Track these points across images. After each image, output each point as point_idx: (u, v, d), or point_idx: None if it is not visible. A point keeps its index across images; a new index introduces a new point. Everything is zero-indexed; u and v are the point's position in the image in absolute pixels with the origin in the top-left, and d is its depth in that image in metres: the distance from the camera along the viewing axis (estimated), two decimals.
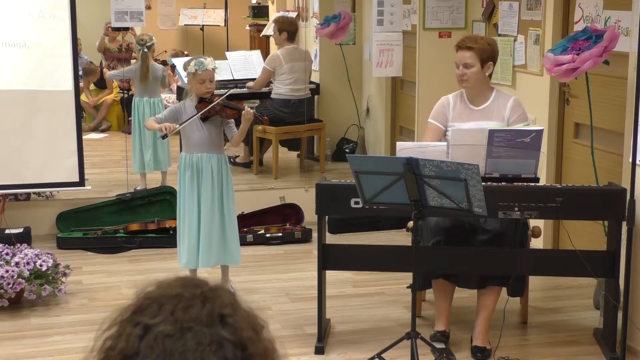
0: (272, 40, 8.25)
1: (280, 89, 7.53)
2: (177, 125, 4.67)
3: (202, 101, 4.71)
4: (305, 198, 6.34)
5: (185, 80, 5.20)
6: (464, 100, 4.41)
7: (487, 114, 4.34)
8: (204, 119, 4.69)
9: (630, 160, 4.11)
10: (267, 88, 7.68)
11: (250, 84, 7.63)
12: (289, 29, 7.58)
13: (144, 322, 1.11)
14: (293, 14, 8.28)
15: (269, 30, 8.69)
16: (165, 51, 8.62)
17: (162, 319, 1.10)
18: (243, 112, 4.69)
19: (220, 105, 4.69)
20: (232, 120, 4.80)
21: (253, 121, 4.79)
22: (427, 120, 4.51)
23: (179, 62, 7.48)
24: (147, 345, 1.09)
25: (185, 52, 8.87)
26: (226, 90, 4.94)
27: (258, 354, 1.12)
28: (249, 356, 1.11)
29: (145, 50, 6.89)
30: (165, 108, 6.89)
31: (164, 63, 7.63)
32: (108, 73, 8.21)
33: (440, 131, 4.40)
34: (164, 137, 4.71)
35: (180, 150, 5.01)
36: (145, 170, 6.91)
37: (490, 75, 4.39)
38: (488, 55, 4.31)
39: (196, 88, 4.71)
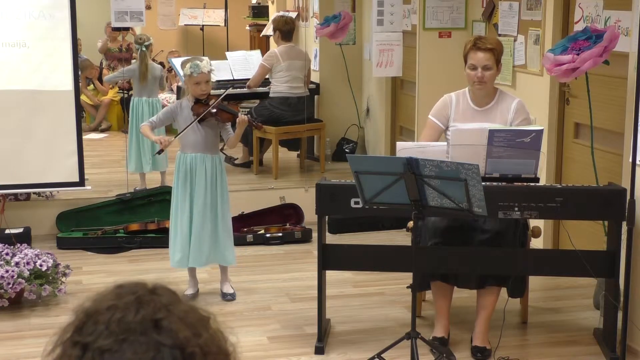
0: (271, 40, 8.27)
1: (278, 87, 7.53)
2: (173, 138, 4.72)
3: (198, 102, 4.73)
4: (305, 198, 6.34)
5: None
6: (467, 100, 4.36)
7: (490, 115, 4.30)
8: (200, 120, 4.70)
9: (630, 160, 4.11)
10: (266, 87, 7.67)
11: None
12: (281, 28, 7.59)
13: (81, 341, 1.13)
14: (293, 14, 8.28)
15: (268, 30, 8.70)
16: (162, 51, 8.61)
17: (97, 335, 1.12)
18: (237, 119, 4.71)
19: (216, 108, 4.70)
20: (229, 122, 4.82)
21: (247, 126, 4.81)
22: (427, 117, 4.49)
23: (178, 63, 7.49)
24: None
25: (174, 50, 8.86)
26: (223, 92, 4.94)
27: (199, 347, 1.14)
28: (190, 355, 1.12)
29: (144, 49, 6.93)
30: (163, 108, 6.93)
31: (162, 64, 7.62)
32: (106, 77, 8.21)
33: (439, 129, 4.37)
34: (160, 152, 4.74)
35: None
36: (142, 170, 6.92)
37: None
38: (500, 56, 4.30)
39: (192, 89, 4.72)
